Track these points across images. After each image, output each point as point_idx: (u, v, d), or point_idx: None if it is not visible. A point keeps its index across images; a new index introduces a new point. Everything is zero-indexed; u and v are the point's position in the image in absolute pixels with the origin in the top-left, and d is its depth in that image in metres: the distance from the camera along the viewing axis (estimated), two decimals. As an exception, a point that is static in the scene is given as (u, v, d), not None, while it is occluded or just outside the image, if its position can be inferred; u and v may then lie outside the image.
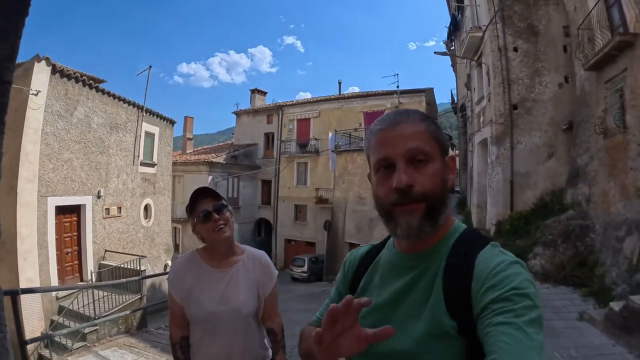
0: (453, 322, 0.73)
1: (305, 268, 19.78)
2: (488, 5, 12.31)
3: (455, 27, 17.55)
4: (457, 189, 32.58)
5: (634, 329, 4.26)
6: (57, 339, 5.96)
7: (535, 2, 11.65)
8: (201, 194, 1.68)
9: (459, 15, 16.64)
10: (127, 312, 6.79)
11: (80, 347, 5.70)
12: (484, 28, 12.57)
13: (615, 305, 4.70)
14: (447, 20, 18.24)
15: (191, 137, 27.38)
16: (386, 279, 0.88)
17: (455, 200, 24.62)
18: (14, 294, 3.60)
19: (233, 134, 30.09)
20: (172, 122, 16.31)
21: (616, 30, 7.21)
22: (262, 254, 1.83)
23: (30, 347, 4.20)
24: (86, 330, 6.44)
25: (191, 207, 1.68)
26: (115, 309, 8.10)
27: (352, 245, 18.28)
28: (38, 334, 6.59)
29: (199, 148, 30.57)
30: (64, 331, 5.59)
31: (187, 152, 26.39)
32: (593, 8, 7.95)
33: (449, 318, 0.74)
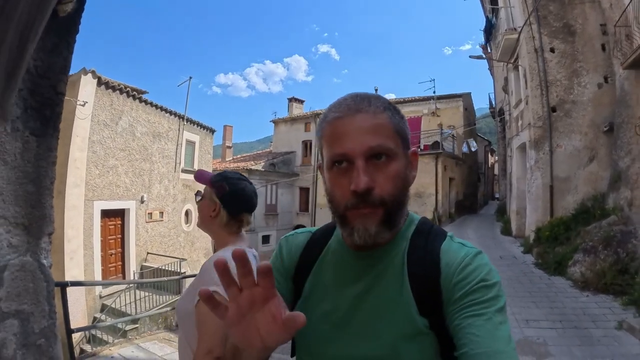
0: (424, 319, 0.70)
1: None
2: (522, 6, 11.95)
3: (490, 30, 17.11)
4: (497, 195, 31.45)
5: (677, 339, 3.94)
6: (98, 334, 6.27)
7: (571, 1, 11.18)
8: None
9: (494, 18, 16.21)
10: (168, 309, 7.05)
11: (121, 340, 5.98)
12: (519, 29, 12.21)
13: (657, 314, 4.37)
14: (483, 23, 17.78)
15: (230, 145, 28.14)
16: (341, 280, 0.79)
17: (495, 207, 23.82)
18: (64, 286, 3.85)
19: (271, 142, 30.63)
20: (212, 131, 16.84)
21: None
22: (211, 258, 1.33)
23: (73, 341, 4.48)
24: (127, 328, 6.75)
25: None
26: (156, 308, 8.42)
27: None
28: (83, 329, 6.98)
29: (238, 156, 31.34)
30: (108, 323, 5.90)
31: (227, 159, 27.12)
32: (629, 4, 7.55)
33: (420, 315, 0.70)
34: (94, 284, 8.03)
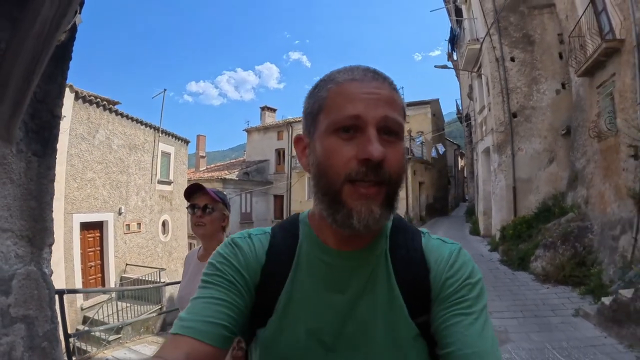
0: (415, 320, 0.67)
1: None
2: (485, 17, 12.57)
3: (454, 40, 17.83)
4: (467, 197, 32.38)
5: (623, 321, 4.37)
6: (82, 346, 6.31)
7: (530, 12, 11.87)
8: (198, 191, 1.89)
9: (457, 29, 16.91)
10: (155, 314, 7.15)
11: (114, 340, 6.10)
12: (481, 40, 12.83)
13: (606, 300, 4.81)
14: (450, 31, 18.48)
15: (204, 154, 28.00)
16: (324, 288, 0.67)
17: (465, 209, 24.63)
18: (61, 293, 4.00)
19: (245, 151, 30.65)
20: (186, 142, 16.82)
21: (605, 36, 7.37)
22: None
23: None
24: (110, 338, 6.78)
25: (187, 199, 1.92)
26: (137, 318, 8.44)
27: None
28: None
29: (212, 165, 31.16)
30: (102, 327, 6.03)
31: (201, 169, 26.95)
32: (582, 15, 8.15)
33: (412, 317, 0.67)
34: (87, 291, 8.11)
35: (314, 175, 0.64)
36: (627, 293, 4.46)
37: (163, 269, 11.98)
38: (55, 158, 2.76)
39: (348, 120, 0.59)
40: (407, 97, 22.88)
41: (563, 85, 10.97)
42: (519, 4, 11.85)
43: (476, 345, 0.60)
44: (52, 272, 2.63)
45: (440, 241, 0.72)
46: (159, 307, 9.78)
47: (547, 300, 6.09)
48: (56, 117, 2.79)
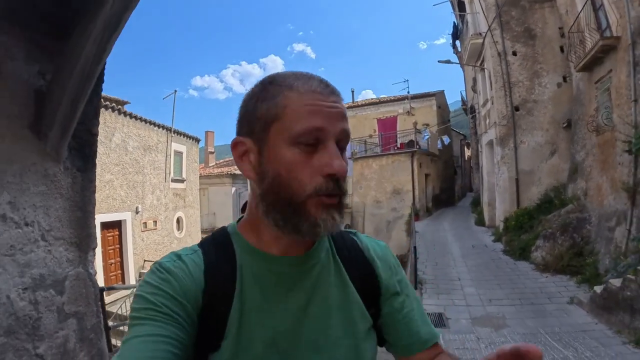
0: (369, 313, 0.71)
1: (328, 272, 20.13)
2: (486, 12, 12.65)
3: (456, 35, 17.89)
4: (474, 187, 32.38)
5: (612, 308, 4.63)
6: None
7: (531, 6, 11.91)
8: None
9: (460, 23, 16.97)
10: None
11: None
12: (483, 34, 12.92)
13: (598, 289, 5.08)
14: (455, 20, 18.50)
15: (213, 150, 28.35)
16: (275, 297, 0.66)
17: (471, 199, 24.73)
18: (102, 291, 4.43)
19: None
20: (197, 140, 17.21)
21: (603, 32, 7.50)
22: None
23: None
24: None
25: None
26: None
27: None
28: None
29: (221, 160, 31.47)
30: (127, 322, 6.53)
31: (210, 165, 27.26)
32: (581, 11, 8.27)
33: (366, 311, 0.70)
34: (123, 287, 8.67)
35: (269, 187, 0.61)
36: (616, 282, 4.71)
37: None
38: (95, 172, 3.12)
39: (312, 133, 0.59)
40: (413, 88, 23.01)
41: (564, 78, 11.05)
42: (520, -2, 11.93)
43: (426, 322, 0.73)
44: (96, 273, 2.99)
45: (367, 236, 0.79)
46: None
47: (544, 288, 6.36)
48: (94, 135, 3.12)
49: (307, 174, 0.59)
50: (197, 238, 16.61)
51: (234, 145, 0.65)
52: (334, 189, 0.59)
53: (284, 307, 0.65)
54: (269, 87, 0.63)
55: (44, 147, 2.54)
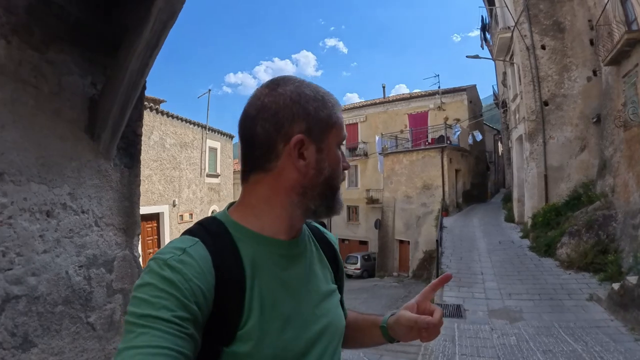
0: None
1: (358, 265, 20.10)
2: (514, 5, 12.41)
3: (485, 28, 17.54)
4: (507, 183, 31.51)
5: (628, 305, 4.63)
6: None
7: (559, -1, 11.62)
8: None
9: (488, 18, 16.64)
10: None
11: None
12: (512, 28, 12.68)
13: (615, 285, 5.07)
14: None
15: (247, 146, 29.03)
16: (282, 277, 0.70)
17: (502, 195, 24.23)
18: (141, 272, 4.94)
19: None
20: (230, 137, 17.78)
21: (630, 25, 7.32)
22: None
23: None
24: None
25: None
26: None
27: (401, 243, 18.45)
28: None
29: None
30: None
31: (244, 160, 27.91)
32: (607, 4, 8.07)
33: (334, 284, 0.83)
34: None
35: (326, 178, 0.71)
36: (633, 279, 4.70)
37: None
38: (140, 168, 3.52)
39: (344, 140, 0.76)
40: (446, 81, 22.70)
41: (594, 72, 10.72)
42: (549, -10, 11.63)
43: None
44: (140, 255, 3.39)
45: (321, 227, 0.91)
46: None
47: (566, 285, 6.35)
48: (139, 136, 3.52)
49: (341, 168, 0.74)
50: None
51: (299, 141, 0.68)
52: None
53: (291, 286, 0.70)
54: (326, 99, 0.73)
55: (97, 147, 2.94)
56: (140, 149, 3.52)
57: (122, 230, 3.16)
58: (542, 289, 6.21)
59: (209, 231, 0.68)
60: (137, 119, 3.42)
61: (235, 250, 0.66)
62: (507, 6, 12.47)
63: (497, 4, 15.03)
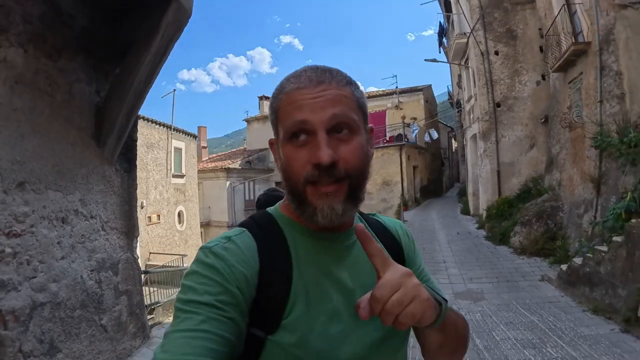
0: None
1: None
2: (471, 13, 13.14)
3: (442, 34, 18.36)
4: (461, 177, 33.04)
5: (575, 282, 5.23)
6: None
7: (513, 8, 12.38)
8: None
9: (446, 23, 17.44)
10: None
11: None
12: (467, 34, 13.44)
13: (564, 267, 5.68)
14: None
15: (205, 145, 28.50)
16: (328, 270, 0.67)
17: (457, 190, 25.47)
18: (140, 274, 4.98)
19: (245, 140, 31.05)
20: (194, 137, 17.57)
21: (577, 37, 8.02)
22: None
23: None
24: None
25: None
26: (165, 300, 9.35)
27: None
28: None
29: (214, 155, 31.35)
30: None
31: (203, 159, 27.15)
32: (557, 16, 8.79)
33: None
34: (155, 271, 9.32)
35: (282, 178, 0.66)
36: (578, 260, 5.30)
37: (185, 255, 12.87)
38: (136, 171, 3.58)
39: (295, 127, 0.61)
40: (401, 79, 23.38)
41: (543, 77, 11.56)
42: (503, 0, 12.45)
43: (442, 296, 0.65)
44: (138, 257, 3.47)
45: (389, 218, 0.85)
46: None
47: (520, 268, 6.95)
48: (134, 141, 3.61)
49: (299, 165, 0.61)
50: (196, 231, 17.01)
51: (270, 145, 0.72)
52: (324, 178, 0.60)
53: (337, 279, 0.66)
54: (273, 93, 0.67)
55: (102, 153, 3.01)
56: (136, 154, 3.60)
57: (124, 233, 3.25)
58: (499, 273, 6.78)
59: (257, 223, 0.70)
60: (134, 125, 3.50)
61: (283, 240, 0.67)
62: (464, 13, 13.15)
63: (454, 10, 15.82)
